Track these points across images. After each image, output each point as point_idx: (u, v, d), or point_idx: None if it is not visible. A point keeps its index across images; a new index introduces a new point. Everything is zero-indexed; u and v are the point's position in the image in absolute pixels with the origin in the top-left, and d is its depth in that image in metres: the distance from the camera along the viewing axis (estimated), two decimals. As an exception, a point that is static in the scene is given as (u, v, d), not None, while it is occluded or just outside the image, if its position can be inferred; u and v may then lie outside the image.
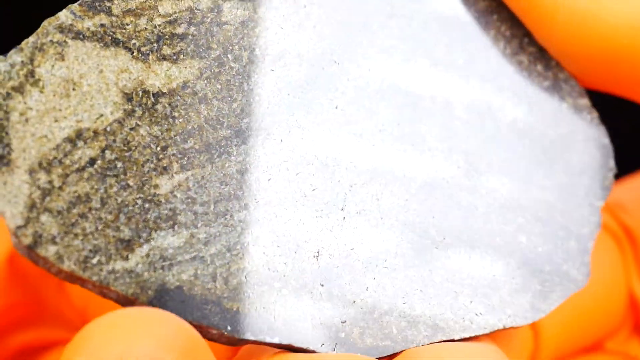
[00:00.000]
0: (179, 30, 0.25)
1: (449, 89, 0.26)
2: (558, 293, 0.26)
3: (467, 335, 0.25)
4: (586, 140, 0.27)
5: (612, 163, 0.27)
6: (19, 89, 0.23)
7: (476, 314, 0.25)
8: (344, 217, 0.25)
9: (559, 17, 0.26)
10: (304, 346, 0.24)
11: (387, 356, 0.25)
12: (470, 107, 0.27)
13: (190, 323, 0.23)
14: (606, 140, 0.27)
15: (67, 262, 0.23)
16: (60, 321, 0.27)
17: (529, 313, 0.26)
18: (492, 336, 0.27)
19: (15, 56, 0.23)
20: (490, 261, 0.26)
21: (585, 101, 0.27)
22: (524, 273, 0.26)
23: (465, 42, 0.27)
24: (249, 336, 0.24)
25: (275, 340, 0.24)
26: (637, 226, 0.29)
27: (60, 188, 0.23)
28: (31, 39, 0.23)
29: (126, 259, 0.23)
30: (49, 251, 0.23)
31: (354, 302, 0.24)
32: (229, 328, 0.23)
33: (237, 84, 0.25)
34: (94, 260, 0.23)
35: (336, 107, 0.25)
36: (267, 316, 0.24)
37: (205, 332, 0.23)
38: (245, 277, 0.24)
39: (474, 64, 0.27)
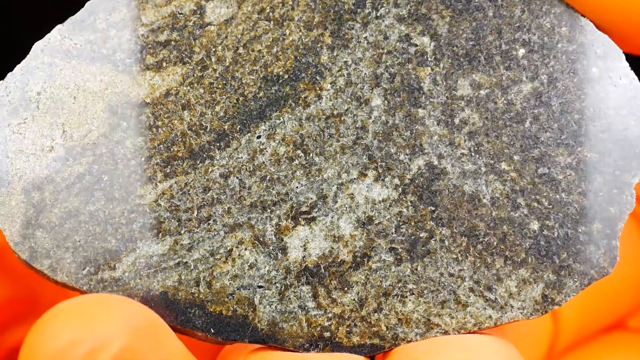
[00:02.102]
0: (162, 37, 0.25)
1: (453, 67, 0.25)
2: (576, 282, 0.24)
3: (464, 332, 0.24)
4: (618, 108, 0.24)
5: None
6: (14, 113, 0.25)
7: (477, 309, 0.24)
8: (329, 215, 0.25)
9: None
10: (288, 347, 0.24)
11: (378, 354, 0.24)
12: (480, 84, 0.25)
13: (175, 327, 0.25)
14: None
15: (60, 274, 0.25)
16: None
17: (539, 306, 0.24)
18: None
19: (9, 80, 0.25)
20: (494, 252, 0.24)
21: (622, 64, 0.24)
22: (537, 262, 0.24)
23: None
24: (233, 338, 0.24)
25: (260, 342, 0.24)
26: None
27: (52, 205, 0.25)
28: (23, 63, 0.25)
29: (113, 268, 0.25)
30: (44, 265, 0.25)
31: (340, 301, 0.24)
32: (212, 331, 0.24)
33: (220, 86, 0.25)
34: (84, 271, 0.25)
35: (322, 101, 0.25)
36: (252, 318, 0.24)
37: (191, 334, 0.25)
38: (229, 281, 0.25)
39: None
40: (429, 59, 0.25)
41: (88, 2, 0.25)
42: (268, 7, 0.25)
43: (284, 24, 0.25)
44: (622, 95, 0.24)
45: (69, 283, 0.25)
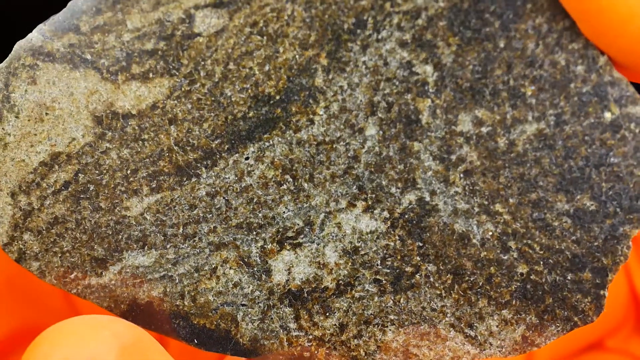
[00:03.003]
0: (148, 46, 0.24)
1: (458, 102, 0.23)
2: (559, 327, 0.24)
3: None
4: (626, 157, 0.23)
5: None
6: None
7: (456, 343, 0.24)
8: (315, 242, 0.24)
9: (635, 24, 0.21)
10: (269, 363, 0.25)
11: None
12: (482, 120, 0.23)
13: (162, 335, 0.25)
14: None
15: (49, 276, 0.25)
16: (47, 307, 0.30)
17: (518, 346, 0.24)
18: None
19: None
20: (479, 292, 0.24)
21: (637, 109, 0.23)
22: (520, 305, 0.24)
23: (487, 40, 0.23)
24: (215, 350, 0.25)
25: (242, 355, 0.25)
26: None
27: (39, 209, 0.25)
28: (4, 64, 0.24)
29: (100, 275, 0.25)
30: (32, 266, 0.25)
31: (321, 324, 0.25)
32: (195, 341, 0.25)
33: (208, 102, 0.24)
34: (72, 276, 0.25)
35: (314, 126, 0.24)
36: (234, 333, 0.25)
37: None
38: (213, 297, 0.25)
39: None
40: (430, 90, 0.23)
41: (70, 2, 0.24)
42: (262, 21, 0.23)
43: (278, 40, 0.23)
44: (632, 144, 0.23)
45: (57, 286, 0.25)
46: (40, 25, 0.24)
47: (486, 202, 0.23)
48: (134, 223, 0.24)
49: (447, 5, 0.23)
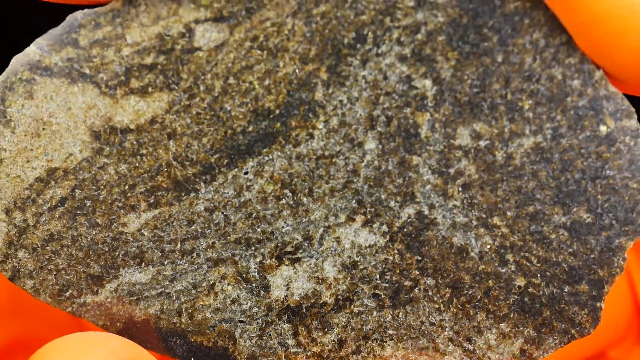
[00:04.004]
0: (148, 60, 0.24)
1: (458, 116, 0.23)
2: (556, 340, 0.24)
3: None
4: (622, 170, 0.23)
5: None
6: None
7: (454, 357, 0.24)
8: (314, 256, 0.24)
9: (630, 38, 0.22)
10: (267, 380, 0.25)
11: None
12: (481, 134, 0.23)
13: (158, 354, 0.25)
14: None
15: (43, 295, 0.25)
16: (45, 317, 0.30)
17: (517, 359, 0.24)
18: None
19: None
20: (477, 305, 0.24)
21: (632, 123, 0.23)
22: (519, 318, 0.24)
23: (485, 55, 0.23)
24: (212, 367, 0.25)
25: (239, 373, 0.25)
26: None
27: (34, 226, 0.24)
28: (1, 78, 0.24)
29: (96, 293, 0.25)
30: (27, 285, 0.25)
31: (320, 341, 0.25)
32: (193, 359, 0.25)
33: (207, 117, 0.24)
34: (67, 294, 0.25)
35: (313, 141, 0.24)
36: (232, 350, 0.25)
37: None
38: (210, 313, 0.25)
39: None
40: (429, 104, 0.23)
41: (69, 16, 0.24)
42: (262, 35, 0.23)
43: (278, 54, 0.23)
44: (627, 157, 0.23)
45: (52, 304, 0.25)
46: (38, 39, 0.24)
47: (484, 216, 0.24)
48: (131, 239, 0.24)
49: (446, 20, 0.23)
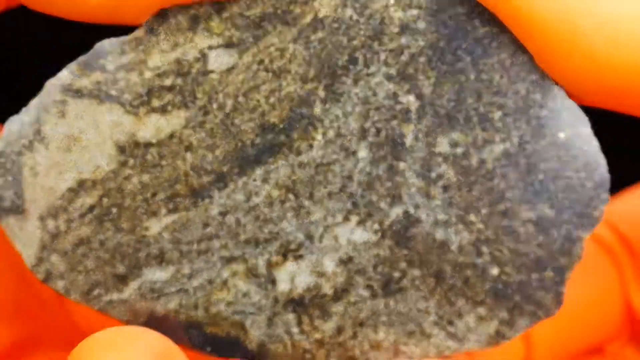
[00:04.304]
0: (167, 82, 0.27)
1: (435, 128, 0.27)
2: (526, 321, 0.28)
3: (427, 359, 0.28)
4: (580, 171, 0.27)
5: (605, 195, 0.27)
6: (29, 147, 0.27)
7: (439, 339, 0.28)
8: (314, 253, 0.27)
9: (575, 59, 0.26)
10: (274, 365, 0.28)
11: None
12: (458, 142, 0.27)
13: (177, 344, 0.28)
14: (603, 171, 0.27)
15: (73, 294, 0.28)
16: (62, 342, 0.33)
17: (492, 339, 0.28)
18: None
19: (24, 116, 0.27)
20: (457, 293, 0.27)
21: (586, 130, 0.27)
22: (493, 302, 0.27)
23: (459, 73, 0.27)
24: (226, 355, 0.28)
25: (249, 359, 0.28)
26: (638, 240, 0.29)
27: (65, 232, 0.27)
28: (36, 99, 0.27)
29: (121, 291, 0.28)
30: (58, 285, 0.28)
31: (321, 328, 0.28)
32: (209, 349, 0.28)
33: (220, 131, 0.27)
34: (95, 293, 0.28)
35: (313, 150, 0.27)
36: (243, 339, 0.28)
37: (190, 351, 0.28)
38: (224, 307, 0.28)
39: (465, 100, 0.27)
40: (413, 117, 0.27)
41: (97, 44, 0.27)
42: (267, 59, 0.27)
43: (282, 75, 0.27)
44: (582, 160, 0.27)
45: (81, 302, 0.28)
46: (69, 65, 0.27)
47: (462, 213, 0.27)
48: (153, 241, 0.27)
49: (426, 44, 0.27)
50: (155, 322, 0.28)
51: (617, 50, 0.25)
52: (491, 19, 0.27)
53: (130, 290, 0.27)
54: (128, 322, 0.28)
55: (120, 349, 0.25)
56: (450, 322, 0.28)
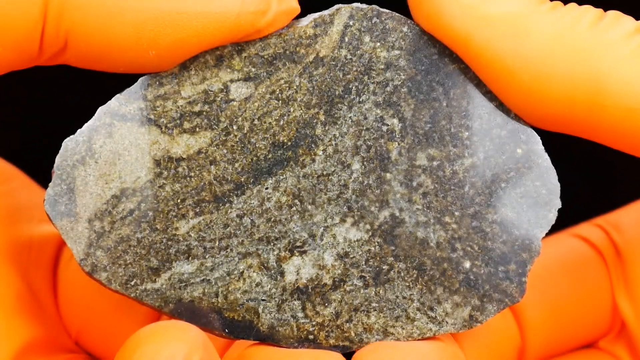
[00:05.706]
0: (196, 108, 0.33)
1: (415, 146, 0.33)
2: (495, 307, 0.33)
3: (411, 339, 0.33)
4: (535, 180, 0.33)
5: (557, 200, 0.33)
6: (81, 161, 0.33)
7: (421, 323, 0.33)
8: (316, 249, 0.33)
9: (512, 93, 0.31)
10: (282, 345, 0.33)
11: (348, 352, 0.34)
12: (434, 157, 0.33)
13: (199, 327, 0.33)
14: (554, 181, 0.33)
15: (114, 284, 0.33)
16: (60, 347, 0.35)
17: (466, 323, 0.33)
18: (472, 333, 0.34)
19: (78, 137, 0.33)
20: (436, 282, 0.33)
21: (539, 147, 0.33)
22: (466, 291, 0.33)
23: (434, 102, 0.33)
24: (241, 337, 0.33)
25: (262, 340, 0.33)
26: (626, 247, 0.33)
27: (109, 232, 0.33)
28: (89, 122, 0.33)
29: (154, 281, 0.33)
30: (102, 276, 0.33)
31: (322, 313, 0.33)
32: (226, 331, 0.33)
33: (239, 148, 0.33)
34: (132, 283, 0.33)
35: (315, 164, 0.33)
36: (256, 322, 0.33)
37: (210, 332, 0.34)
38: (240, 295, 0.33)
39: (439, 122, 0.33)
40: (397, 136, 0.33)
41: (141, 78, 0.33)
42: (278, 90, 0.33)
43: (289, 103, 0.33)
44: (537, 171, 0.33)
45: (120, 291, 0.33)
46: (118, 95, 0.33)
47: (439, 215, 0.33)
48: (181, 240, 0.33)
49: (407, 77, 0.33)
50: (182, 307, 0.33)
51: (541, 85, 0.30)
52: (458, 58, 0.33)
53: (162, 280, 0.33)
54: (159, 308, 0.33)
55: (176, 338, 0.29)
56: (431, 308, 0.33)
